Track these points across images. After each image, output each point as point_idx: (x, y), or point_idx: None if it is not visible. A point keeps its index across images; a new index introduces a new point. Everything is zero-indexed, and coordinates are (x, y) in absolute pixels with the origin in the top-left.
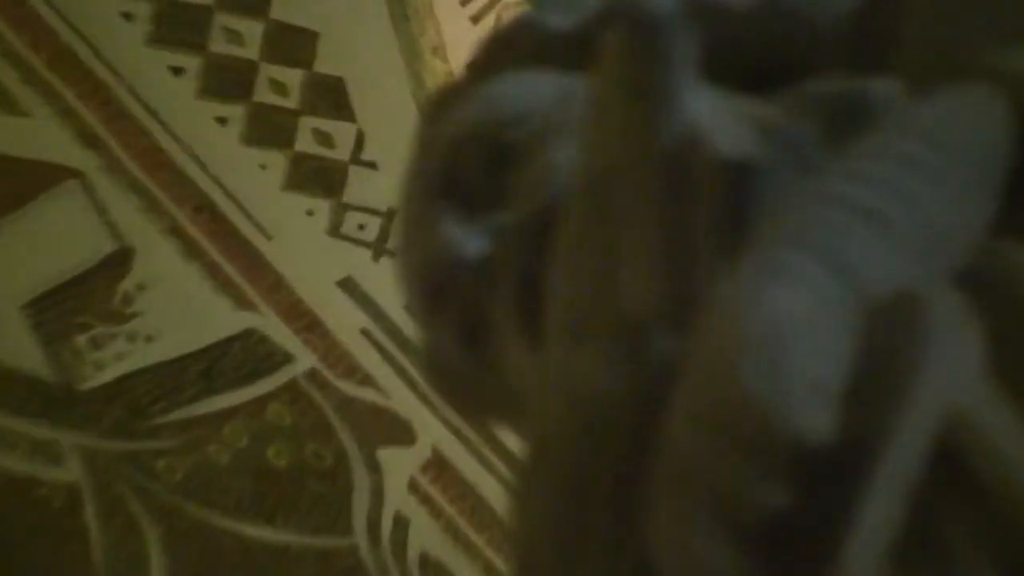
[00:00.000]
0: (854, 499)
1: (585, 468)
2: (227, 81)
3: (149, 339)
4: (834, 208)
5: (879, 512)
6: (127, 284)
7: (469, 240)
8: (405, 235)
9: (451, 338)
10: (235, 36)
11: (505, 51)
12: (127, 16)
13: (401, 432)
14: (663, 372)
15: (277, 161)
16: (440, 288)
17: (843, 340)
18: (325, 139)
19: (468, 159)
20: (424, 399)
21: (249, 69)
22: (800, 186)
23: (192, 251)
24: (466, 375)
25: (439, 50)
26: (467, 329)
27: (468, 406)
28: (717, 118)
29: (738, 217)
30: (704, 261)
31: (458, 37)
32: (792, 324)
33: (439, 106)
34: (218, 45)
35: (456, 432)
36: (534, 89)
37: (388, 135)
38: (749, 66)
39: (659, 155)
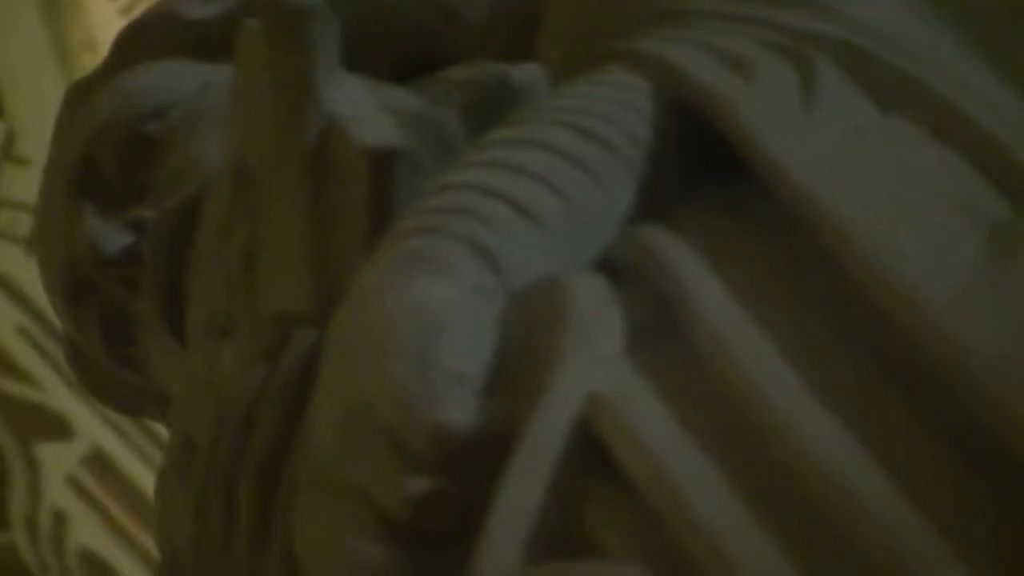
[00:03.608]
0: (495, 489)
1: (229, 464)
2: None
3: None
4: (478, 196)
5: (520, 499)
6: None
7: (109, 236)
8: (44, 230)
9: (94, 334)
10: None
11: (145, 41)
12: None
13: (59, 428)
14: (307, 367)
15: None
16: (80, 284)
17: (487, 329)
18: None
19: (106, 153)
20: (83, 396)
21: None
22: (444, 174)
23: None
24: (111, 370)
25: (89, 44)
26: (109, 325)
27: (116, 401)
28: (360, 107)
29: (382, 206)
30: (348, 253)
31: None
32: (435, 314)
33: (77, 99)
34: None
35: (116, 428)
36: (174, 80)
37: (40, 131)
38: (393, 53)
39: (302, 145)
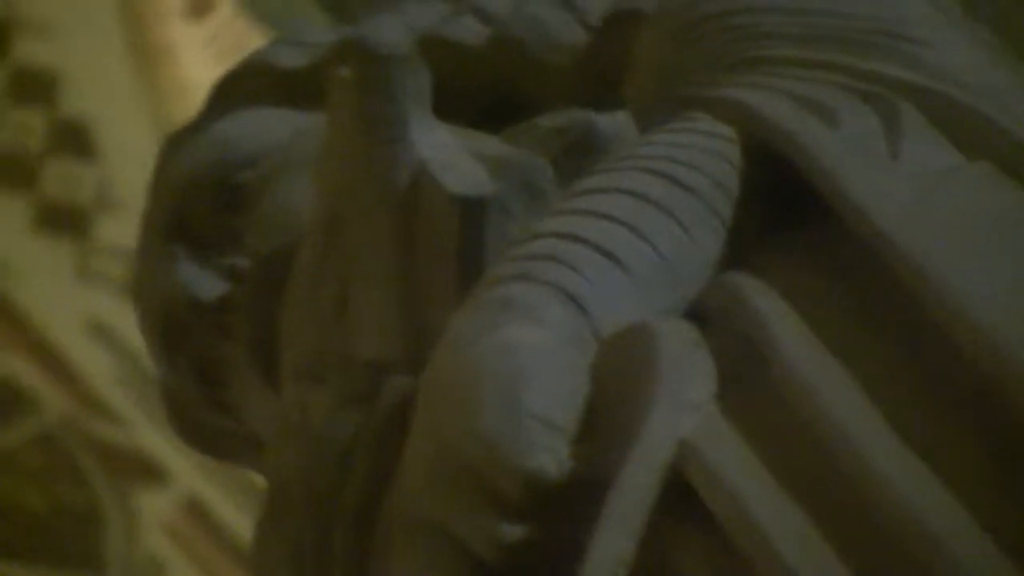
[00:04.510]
0: (588, 535)
1: (324, 510)
2: None
3: None
4: (568, 244)
5: (614, 546)
6: None
7: (203, 283)
8: (140, 277)
9: (188, 379)
10: None
11: (238, 90)
12: None
13: (155, 475)
14: (399, 413)
15: (22, 203)
16: (175, 330)
17: (577, 375)
18: (71, 180)
19: (200, 201)
20: (179, 443)
21: None
22: (534, 222)
23: None
24: (205, 416)
25: (180, 91)
26: (203, 371)
27: (209, 447)
28: (451, 154)
29: (473, 253)
30: (439, 299)
31: (199, 78)
32: (525, 361)
33: (172, 148)
34: None
35: (211, 475)
36: (267, 128)
37: (133, 176)
38: (481, 102)
39: (390, 193)
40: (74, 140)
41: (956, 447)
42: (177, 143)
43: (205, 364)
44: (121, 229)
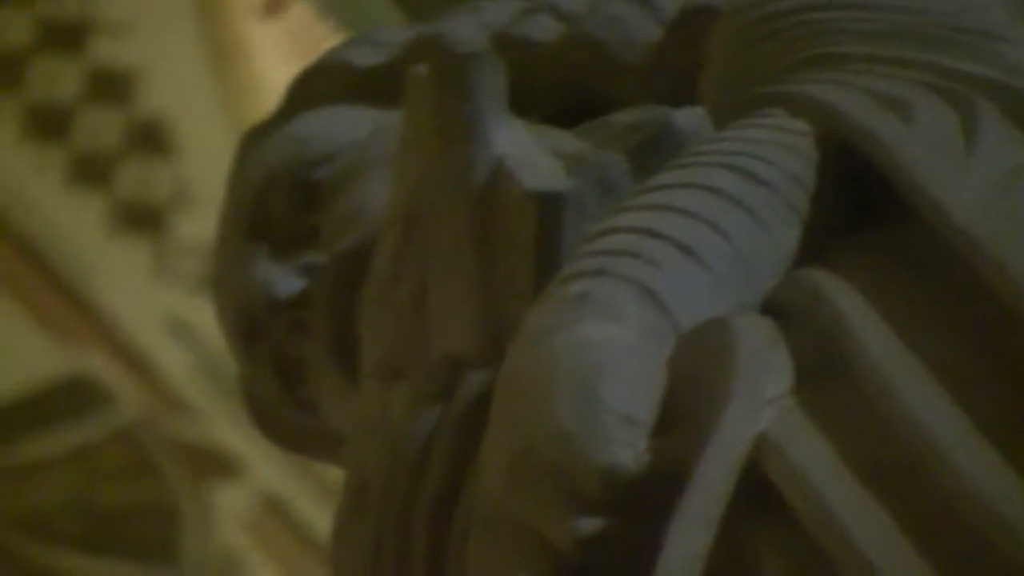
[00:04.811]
0: (666, 529)
1: (403, 505)
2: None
3: None
4: (644, 239)
5: (691, 540)
6: None
7: (280, 280)
8: (218, 274)
9: (267, 375)
10: (52, 77)
11: (315, 88)
12: None
13: (231, 469)
14: (478, 408)
15: (100, 202)
16: (253, 327)
17: (653, 371)
18: (149, 179)
19: (277, 199)
20: (256, 437)
21: (68, 110)
22: (610, 218)
23: (17, 295)
24: (284, 411)
25: (254, 88)
26: (282, 367)
27: (288, 442)
28: (526, 150)
29: (549, 249)
30: (516, 295)
31: (274, 75)
32: (602, 356)
33: (249, 146)
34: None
35: (288, 469)
36: (343, 126)
37: (210, 174)
38: (556, 99)
39: (469, 189)
40: (151, 138)
41: None
42: (254, 141)
43: (284, 361)
44: (198, 226)
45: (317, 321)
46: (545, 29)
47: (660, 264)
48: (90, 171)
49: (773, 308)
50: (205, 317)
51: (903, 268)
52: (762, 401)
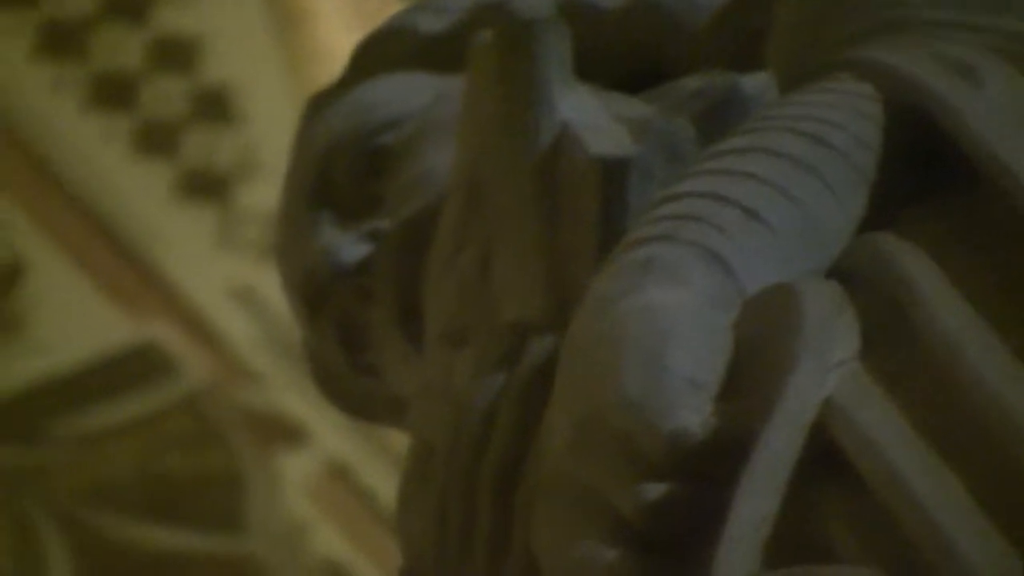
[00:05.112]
0: (731, 494)
1: (468, 469)
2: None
3: (43, 353)
4: (710, 203)
5: (758, 505)
6: (18, 299)
7: (344, 246)
8: (282, 241)
9: (332, 341)
10: (116, 46)
11: (379, 54)
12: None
13: (298, 436)
14: (543, 374)
15: (165, 170)
16: (318, 294)
17: (719, 336)
18: (214, 146)
19: (341, 165)
20: (322, 404)
21: (133, 79)
22: (676, 183)
23: (84, 263)
24: (349, 378)
25: (319, 55)
26: (346, 333)
27: (354, 408)
28: (591, 116)
29: (615, 215)
30: (582, 260)
31: (339, 42)
32: (668, 320)
33: (314, 112)
34: (100, 57)
35: (354, 436)
36: (408, 92)
37: (275, 141)
38: (622, 64)
39: (533, 155)
40: (216, 106)
41: None
42: (318, 107)
43: (348, 327)
44: (263, 194)
45: (381, 287)
46: None
47: (726, 229)
48: (155, 140)
49: (840, 272)
50: (270, 285)
51: (972, 235)
52: (829, 365)
